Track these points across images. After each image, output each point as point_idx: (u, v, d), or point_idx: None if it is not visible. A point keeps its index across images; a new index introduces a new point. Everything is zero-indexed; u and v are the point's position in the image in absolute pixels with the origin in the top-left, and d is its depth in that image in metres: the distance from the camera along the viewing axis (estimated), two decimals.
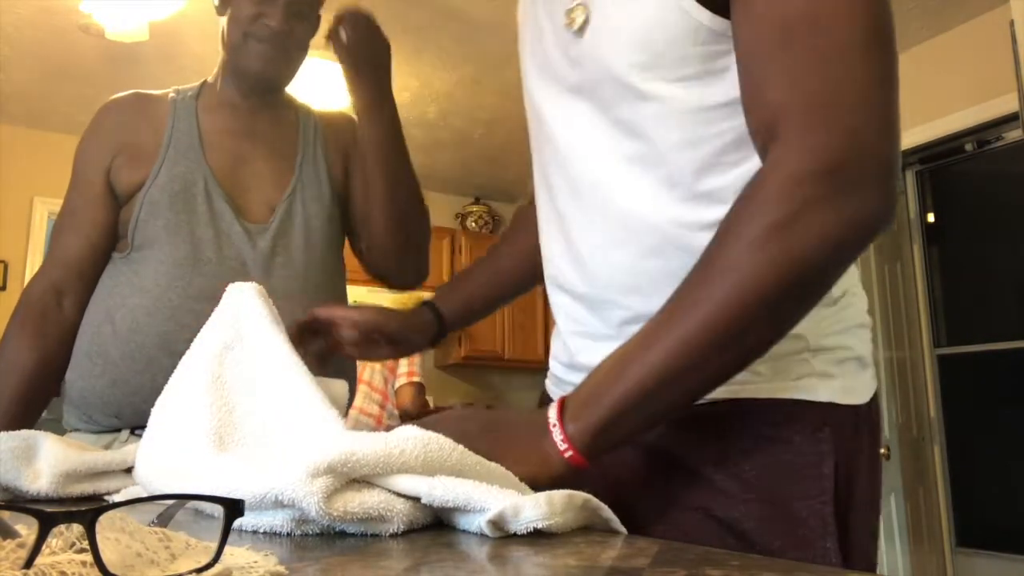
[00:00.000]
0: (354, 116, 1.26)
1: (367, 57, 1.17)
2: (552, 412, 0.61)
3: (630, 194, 0.72)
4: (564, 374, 0.86)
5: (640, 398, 0.58)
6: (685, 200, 0.69)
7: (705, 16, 0.65)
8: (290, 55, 1.23)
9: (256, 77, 1.22)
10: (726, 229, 0.59)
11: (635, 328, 0.61)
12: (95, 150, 1.23)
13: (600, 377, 0.61)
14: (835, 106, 0.58)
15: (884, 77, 0.59)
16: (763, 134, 0.61)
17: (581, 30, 0.72)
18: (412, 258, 1.32)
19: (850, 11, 0.59)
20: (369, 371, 3.27)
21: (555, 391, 0.90)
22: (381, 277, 1.34)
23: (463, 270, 1.11)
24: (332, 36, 1.14)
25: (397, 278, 1.34)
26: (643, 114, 0.70)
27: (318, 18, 1.26)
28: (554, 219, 0.82)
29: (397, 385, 3.46)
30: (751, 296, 0.56)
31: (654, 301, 0.61)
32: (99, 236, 1.20)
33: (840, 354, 0.74)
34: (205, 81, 1.30)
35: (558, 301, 0.84)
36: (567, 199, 0.78)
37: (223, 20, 1.22)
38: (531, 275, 1.02)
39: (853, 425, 0.72)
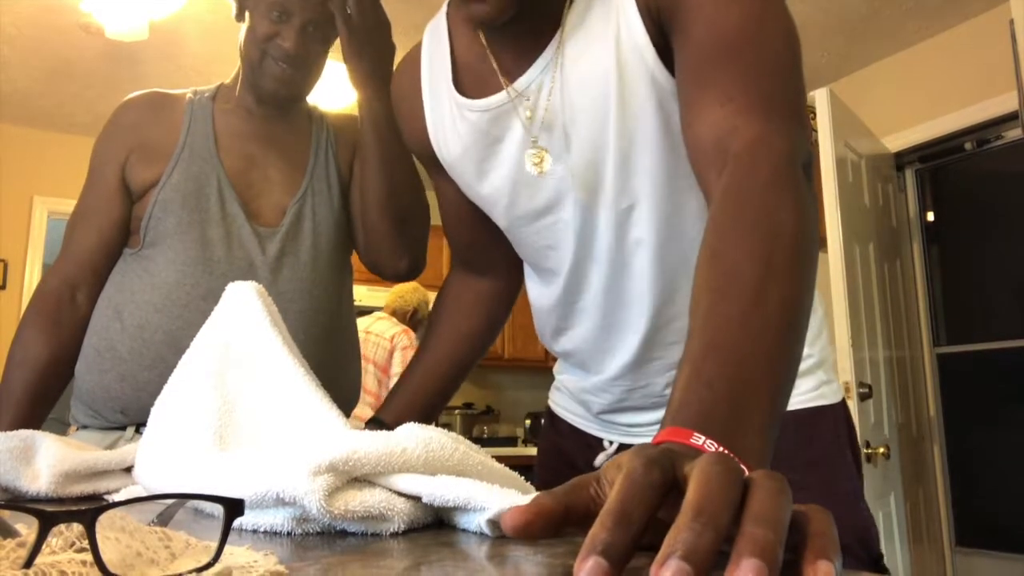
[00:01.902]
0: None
1: (368, 31, 1.13)
2: (706, 442, 0.43)
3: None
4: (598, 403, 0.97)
5: (777, 416, 0.50)
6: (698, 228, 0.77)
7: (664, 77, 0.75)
8: (308, 73, 1.22)
9: (272, 95, 1.22)
10: (745, 214, 0.58)
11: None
12: (111, 147, 1.23)
13: (732, 396, 0.47)
14: (784, 102, 0.66)
15: (801, 76, 0.69)
16: (721, 135, 0.65)
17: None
18: (408, 244, 1.26)
19: (776, 26, 0.69)
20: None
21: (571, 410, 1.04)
22: (375, 266, 1.29)
23: (404, 376, 1.11)
24: (336, 6, 1.10)
25: (390, 264, 1.28)
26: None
27: (334, 29, 1.23)
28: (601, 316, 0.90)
29: (391, 386, 3.44)
30: (812, 279, 0.56)
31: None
32: (113, 232, 1.21)
33: (829, 362, 0.94)
34: (222, 84, 1.30)
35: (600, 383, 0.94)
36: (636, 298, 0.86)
37: (242, 28, 1.22)
38: (468, 363, 1.11)
39: (846, 417, 0.93)
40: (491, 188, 0.88)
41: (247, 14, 1.20)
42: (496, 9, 0.73)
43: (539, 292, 0.96)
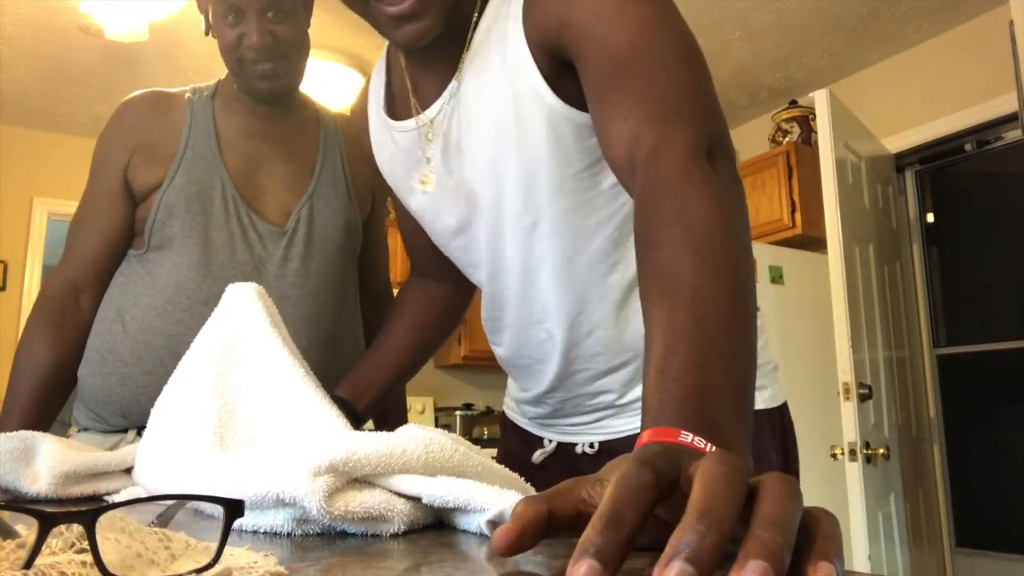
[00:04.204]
0: None
1: None
2: (694, 439, 0.44)
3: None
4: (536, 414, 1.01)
5: (748, 399, 0.52)
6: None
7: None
8: (288, 59, 1.17)
9: (267, 93, 1.19)
10: (659, 214, 0.60)
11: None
12: (113, 148, 1.22)
13: (700, 393, 0.48)
14: (681, 100, 0.66)
15: (700, 71, 0.69)
16: (629, 148, 0.67)
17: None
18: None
19: (663, 31, 0.70)
20: None
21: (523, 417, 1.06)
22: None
23: (364, 358, 1.15)
24: None
25: None
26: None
27: (297, 2, 1.20)
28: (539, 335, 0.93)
29: None
30: (745, 256, 0.58)
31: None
32: (116, 234, 1.20)
33: (767, 367, 0.92)
34: (220, 80, 1.27)
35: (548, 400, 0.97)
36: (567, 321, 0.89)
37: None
38: (423, 351, 1.17)
39: (780, 425, 0.92)
40: (417, 203, 0.95)
41: (212, 27, 1.18)
42: (424, 28, 0.76)
43: (482, 304, 1.02)
